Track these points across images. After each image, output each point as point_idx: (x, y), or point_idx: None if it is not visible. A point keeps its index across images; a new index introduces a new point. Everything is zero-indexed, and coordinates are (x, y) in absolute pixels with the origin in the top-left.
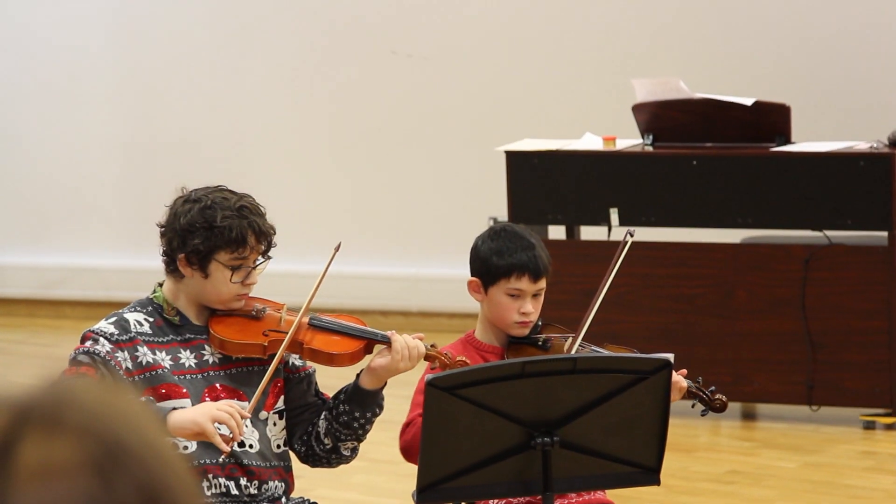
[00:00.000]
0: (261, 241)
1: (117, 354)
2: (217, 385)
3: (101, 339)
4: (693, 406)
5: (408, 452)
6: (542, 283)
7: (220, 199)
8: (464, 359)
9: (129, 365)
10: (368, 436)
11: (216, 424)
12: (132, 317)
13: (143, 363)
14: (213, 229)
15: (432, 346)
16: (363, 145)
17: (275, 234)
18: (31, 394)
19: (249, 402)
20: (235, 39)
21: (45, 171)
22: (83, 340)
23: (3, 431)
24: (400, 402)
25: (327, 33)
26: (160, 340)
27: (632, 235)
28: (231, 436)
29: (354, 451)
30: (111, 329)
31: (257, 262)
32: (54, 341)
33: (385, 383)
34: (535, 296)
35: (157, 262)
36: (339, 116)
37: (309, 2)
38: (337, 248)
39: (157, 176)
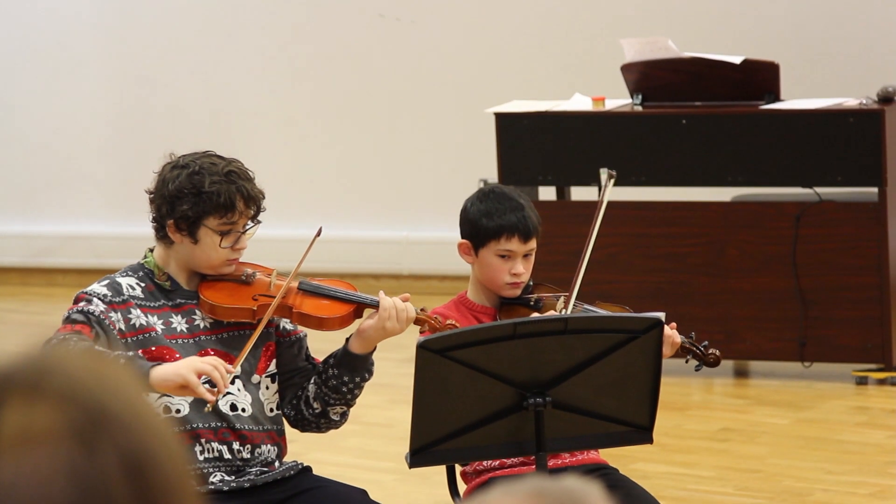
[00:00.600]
0: (249, 205)
1: (111, 314)
2: (210, 350)
3: (95, 299)
4: (687, 361)
5: None
6: (533, 244)
7: (208, 164)
8: (453, 322)
9: (123, 326)
10: (361, 399)
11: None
12: (124, 281)
13: (136, 325)
14: (201, 195)
15: (422, 309)
16: (352, 109)
17: (264, 198)
18: (13, 361)
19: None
20: (224, 4)
21: (34, 139)
22: (76, 301)
23: None
24: (392, 365)
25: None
26: (152, 305)
27: (614, 176)
28: (216, 389)
29: (344, 415)
30: (104, 290)
31: (246, 227)
32: (46, 309)
33: (375, 347)
34: (525, 256)
35: (148, 229)
36: (328, 80)
37: None
38: (318, 234)
39: (146, 143)
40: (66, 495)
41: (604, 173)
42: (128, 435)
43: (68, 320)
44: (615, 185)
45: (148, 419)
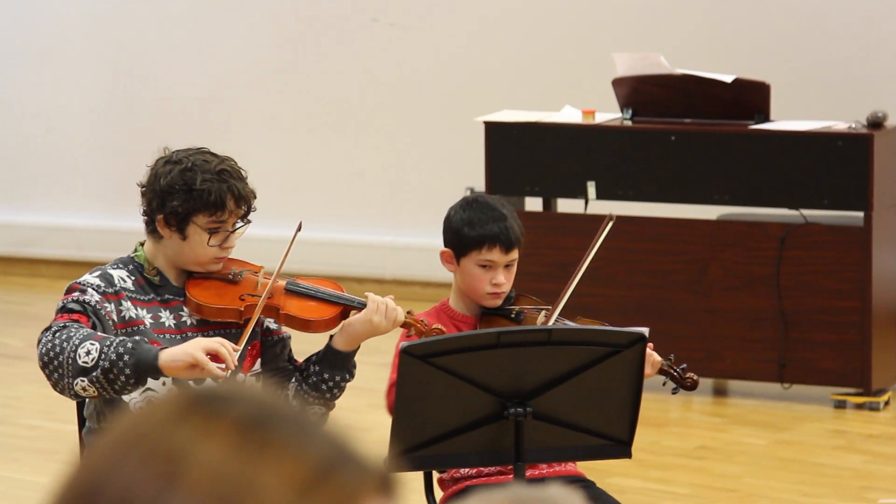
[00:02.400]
0: (240, 205)
1: (106, 305)
2: None
3: (90, 289)
4: (664, 384)
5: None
6: (514, 255)
7: (200, 161)
8: (440, 327)
9: (115, 318)
10: (339, 402)
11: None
12: (116, 273)
13: (127, 318)
14: (192, 192)
15: (409, 312)
16: (342, 113)
17: (255, 198)
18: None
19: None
20: (218, 1)
21: (20, 129)
22: (70, 291)
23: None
24: (373, 369)
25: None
26: (142, 298)
27: (613, 220)
28: (224, 367)
29: (323, 416)
30: (98, 281)
31: (236, 227)
32: (28, 299)
33: (358, 347)
34: (507, 266)
35: (132, 223)
36: (319, 83)
37: None
38: (298, 228)
39: (133, 136)
40: None
41: (608, 217)
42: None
43: (64, 310)
44: (598, 198)
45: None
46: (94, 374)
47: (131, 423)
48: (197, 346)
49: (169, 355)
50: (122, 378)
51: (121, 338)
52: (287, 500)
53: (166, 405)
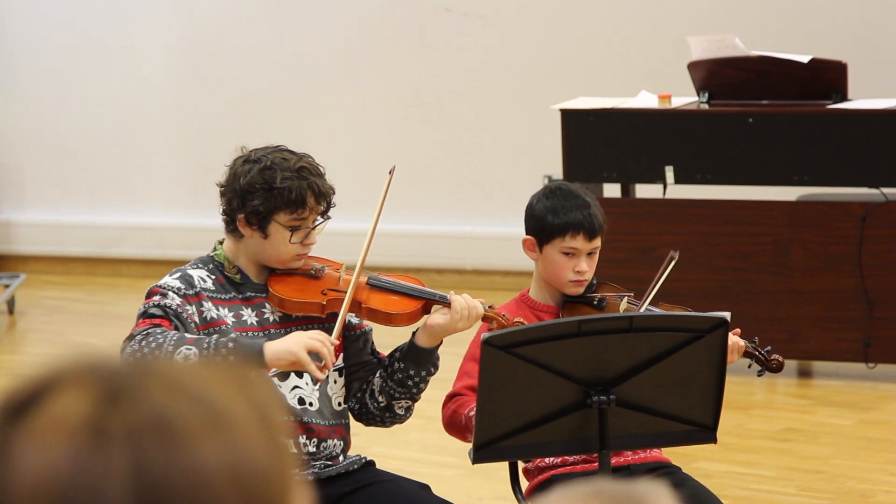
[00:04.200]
0: (320, 201)
1: (187, 307)
2: None
3: (170, 292)
4: (749, 366)
5: (449, 426)
6: (597, 242)
7: (279, 159)
8: (521, 320)
9: (197, 319)
10: (424, 394)
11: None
12: (196, 273)
13: (208, 318)
14: (272, 190)
15: (490, 306)
16: (418, 103)
17: (334, 194)
18: (99, 358)
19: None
20: None
21: (100, 129)
22: (150, 295)
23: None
24: (456, 360)
25: None
26: (223, 297)
27: (675, 258)
28: (323, 363)
29: (409, 410)
30: (178, 283)
31: (316, 223)
32: (111, 300)
33: (441, 342)
34: (589, 254)
35: (211, 221)
36: (394, 74)
37: None
38: (392, 172)
39: (210, 134)
40: (60, 485)
41: (671, 254)
42: (151, 445)
43: (146, 315)
44: (677, 183)
45: (198, 438)
46: None
47: None
48: (301, 345)
49: (274, 352)
50: None
51: (214, 336)
52: None
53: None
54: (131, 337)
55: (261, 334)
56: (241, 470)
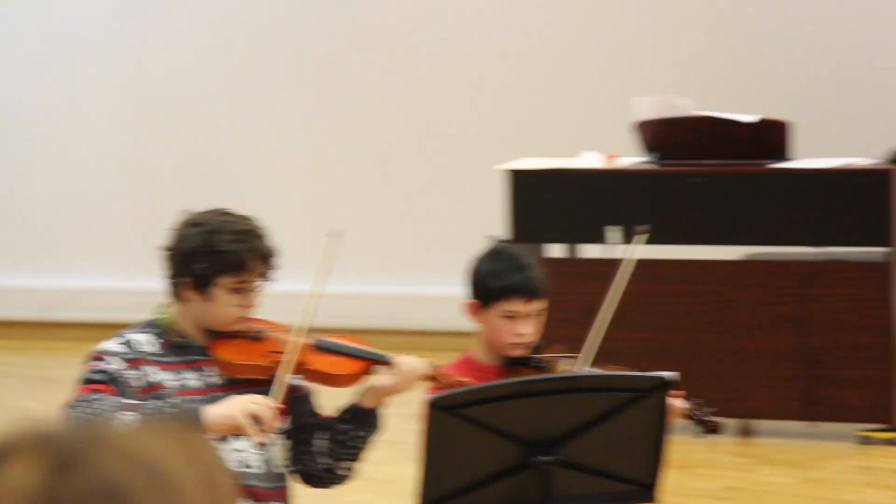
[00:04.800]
0: (262, 264)
1: (127, 373)
2: None
3: (111, 357)
4: (689, 428)
5: None
6: (539, 304)
7: (222, 222)
8: (464, 380)
9: (137, 384)
10: (367, 455)
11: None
12: (138, 337)
13: (150, 382)
14: (216, 254)
15: (434, 366)
16: (363, 165)
17: (277, 256)
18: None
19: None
20: (237, 60)
21: (43, 193)
22: (91, 360)
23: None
24: (400, 421)
25: (328, 52)
26: (166, 361)
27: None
28: (263, 427)
29: (350, 470)
30: (119, 348)
31: (258, 284)
32: (53, 363)
33: (384, 402)
34: (533, 316)
35: (154, 284)
36: (339, 136)
37: (311, 23)
38: (335, 235)
39: (153, 198)
40: None
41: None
42: None
43: (87, 381)
44: (622, 243)
45: None
46: None
47: None
48: (238, 409)
49: (212, 418)
50: None
51: (151, 401)
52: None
53: None
54: (73, 405)
55: (205, 397)
56: None
